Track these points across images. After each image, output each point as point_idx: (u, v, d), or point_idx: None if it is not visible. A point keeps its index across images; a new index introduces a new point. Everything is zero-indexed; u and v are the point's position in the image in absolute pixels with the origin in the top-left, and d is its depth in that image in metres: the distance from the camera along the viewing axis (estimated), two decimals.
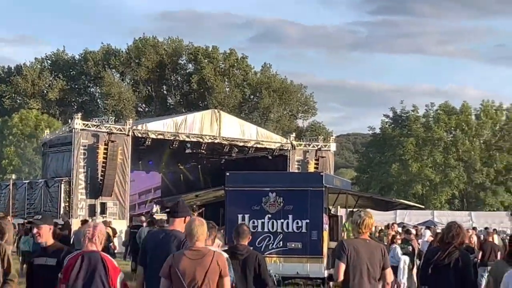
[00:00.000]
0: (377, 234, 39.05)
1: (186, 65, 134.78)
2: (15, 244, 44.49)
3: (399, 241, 37.35)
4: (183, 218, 14.08)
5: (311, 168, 73.41)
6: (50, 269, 13.34)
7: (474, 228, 47.58)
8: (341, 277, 13.65)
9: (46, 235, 13.93)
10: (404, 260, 33.00)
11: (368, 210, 43.03)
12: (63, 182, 65.03)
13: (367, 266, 14.15)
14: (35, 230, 14.34)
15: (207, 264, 11.68)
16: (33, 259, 14.07)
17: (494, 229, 55.03)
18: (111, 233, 47.46)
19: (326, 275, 31.94)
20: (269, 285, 15.09)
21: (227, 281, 11.93)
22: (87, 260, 13.62)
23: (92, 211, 62.73)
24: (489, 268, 23.31)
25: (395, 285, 28.83)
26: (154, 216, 51.30)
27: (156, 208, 62.47)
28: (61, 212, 60.87)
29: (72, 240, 43.99)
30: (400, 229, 46.86)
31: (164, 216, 53.55)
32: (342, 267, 13.61)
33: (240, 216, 38.37)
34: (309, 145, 77.81)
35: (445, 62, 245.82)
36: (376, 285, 14.23)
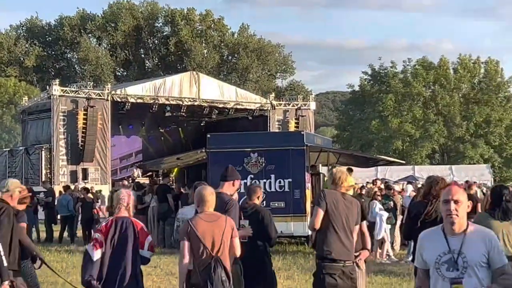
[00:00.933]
0: (358, 191, 38.99)
1: (162, 28, 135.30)
2: None
3: (379, 197, 37.15)
4: (232, 182, 15.41)
5: (292, 127, 74.30)
6: None
7: (455, 182, 47.55)
8: (318, 225, 13.76)
9: None
10: (381, 216, 33.09)
11: (350, 167, 43.74)
12: (43, 149, 65.75)
13: (344, 219, 14.37)
14: None
15: (223, 226, 12.71)
16: None
17: (475, 182, 54.61)
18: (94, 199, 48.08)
19: (309, 233, 32.57)
20: (272, 237, 15.99)
21: (237, 241, 12.96)
22: (120, 224, 14.80)
23: (74, 177, 63.62)
24: (472, 220, 22.83)
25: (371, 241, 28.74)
26: (136, 180, 51.59)
27: (137, 172, 63.07)
28: (43, 179, 61.28)
29: (56, 205, 44.88)
30: (382, 185, 47.01)
31: (146, 180, 55.54)
32: (321, 214, 13.70)
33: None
34: (288, 104, 78.59)
35: (421, 17, 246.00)
36: (351, 238, 14.53)
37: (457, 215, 8.61)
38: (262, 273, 15.85)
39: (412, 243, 22.54)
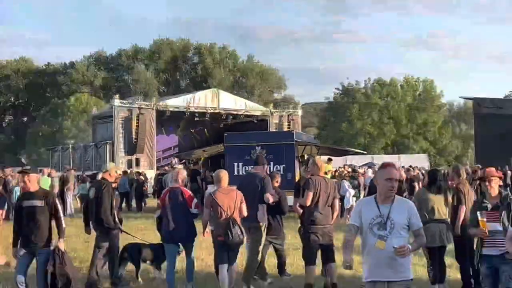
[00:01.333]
0: (334, 174, 39.53)
1: (192, 57, 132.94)
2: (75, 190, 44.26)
3: (348, 178, 38.06)
4: (262, 166, 16.18)
5: (285, 128, 73.19)
6: (35, 208, 12.91)
7: (402, 167, 47.97)
8: (308, 203, 14.43)
9: (32, 183, 13.24)
10: (349, 192, 33.44)
11: (330, 157, 43.56)
12: (108, 144, 65.68)
13: (325, 196, 15.05)
14: (25, 178, 13.41)
15: (234, 196, 14.17)
16: (22, 201, 13.21)
17: (416, 167, 55.52)
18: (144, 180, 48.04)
19: (292, 202, 32.24)
20: (285, 210, 16.53)
21: (244, 206, 14.23)
22: (173, 192, 16.04)
23: (129, 164, 63.17)
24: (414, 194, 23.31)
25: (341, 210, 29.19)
26: (174, 166, 51.73)
27: (174, 160, 62.59)
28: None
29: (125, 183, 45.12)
30: (350, 169, 47.20)
31: (181, 166, 52.63)
32: (311, 195, 14.41)
33: (235, 164, 39.28)
34: (282, 111, 78.14)
35: (378, 47, 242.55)
36: (329, 209, 15.12)
37: (394, 191, 8.58)
38: (278, 227, 16.54)
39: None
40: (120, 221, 18.11)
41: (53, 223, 13.24)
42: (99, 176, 24.15)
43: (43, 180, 27.55)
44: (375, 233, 8.51)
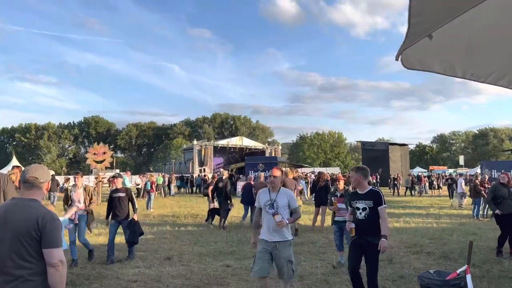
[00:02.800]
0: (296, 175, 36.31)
1: (231, 121, 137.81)
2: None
3: (303, 177, 36.56)
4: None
5: (273, 154, 74.01)
6: (121, 198, 12.73)
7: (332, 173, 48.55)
8: None
9: (118, 183, 13.27)
10: (303, 184, 30.67)
11: (292, 167, 40.45)
12: (190, 161, 69.10)
13: (292, 188, 15.39)
14: (115, 180, 13.77)
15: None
16: (112, 194, 13.01)
17: (339, 173, 56.45)
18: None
19: None
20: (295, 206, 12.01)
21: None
22: (248, 185, 17.15)
23: (200, 171, 63.57)
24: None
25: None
26: (221, 171, 44.14)
27: (222, 170, 56.91)
28: (194, 172, 63.81)
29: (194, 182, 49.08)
30: (304, 174, 47.52)
31: (225, 172, 52.26)
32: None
33: (251, 171, 40.06)
34: (272, 147, 78.88)
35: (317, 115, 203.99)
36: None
37: (275, 183, 8.39)
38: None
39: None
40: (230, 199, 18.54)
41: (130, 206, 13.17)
42: (212, 176, 26.94)
43: (125, 179, 25.37)
44: (267, 211, 8.29)
